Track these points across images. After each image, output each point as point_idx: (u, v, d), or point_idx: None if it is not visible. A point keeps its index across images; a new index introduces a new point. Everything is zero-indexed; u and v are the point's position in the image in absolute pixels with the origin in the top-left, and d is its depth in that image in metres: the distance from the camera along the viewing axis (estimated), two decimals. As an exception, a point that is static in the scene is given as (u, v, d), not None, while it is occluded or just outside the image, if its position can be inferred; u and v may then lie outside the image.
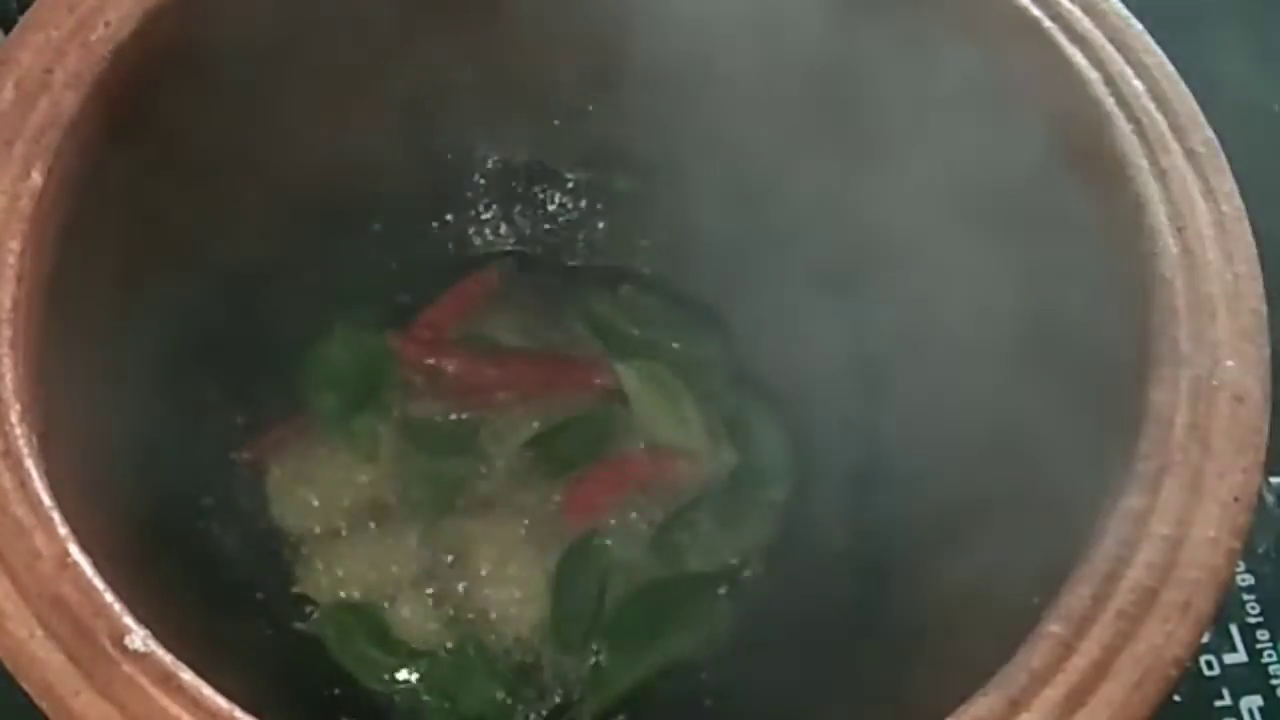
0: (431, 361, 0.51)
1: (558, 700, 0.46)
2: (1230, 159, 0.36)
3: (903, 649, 0.42)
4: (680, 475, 0.50)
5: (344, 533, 0.48)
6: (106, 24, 0.36)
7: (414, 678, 0.46)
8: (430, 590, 0.47)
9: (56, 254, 0.34)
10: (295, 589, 0.47)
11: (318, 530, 0.48)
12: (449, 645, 0.46)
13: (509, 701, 0.46)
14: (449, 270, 0.53)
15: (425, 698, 0.46)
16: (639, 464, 0.50)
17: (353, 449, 0.49)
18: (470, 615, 0.47)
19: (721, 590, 0.48)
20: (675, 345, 0.52)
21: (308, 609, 0.47)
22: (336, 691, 0.46)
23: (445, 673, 0.46)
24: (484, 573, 0.47)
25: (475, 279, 0.53)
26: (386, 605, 0.47)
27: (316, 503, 0.49)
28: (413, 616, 0.47)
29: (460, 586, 0.47)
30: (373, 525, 0.48)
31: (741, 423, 0.51)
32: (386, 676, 0.46)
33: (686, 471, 0.50)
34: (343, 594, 0.47)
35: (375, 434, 0.50)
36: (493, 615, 0.47)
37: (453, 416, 0.50)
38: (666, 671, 0.47)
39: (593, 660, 0.46)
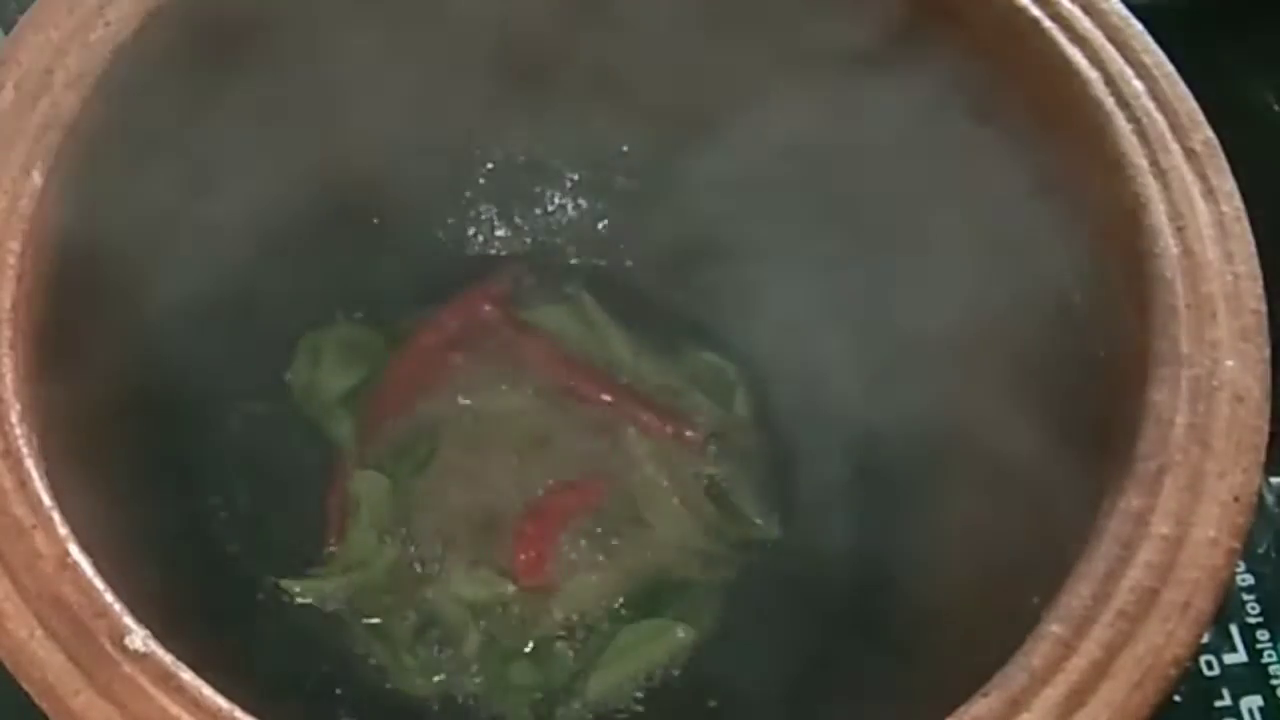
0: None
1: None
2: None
3: (903, 649, 0.42)
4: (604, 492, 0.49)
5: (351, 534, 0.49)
6: (106, 24, 0.36)
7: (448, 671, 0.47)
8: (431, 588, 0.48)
9: (56, 254, 0.34)
10: (299, 595, 0.47)
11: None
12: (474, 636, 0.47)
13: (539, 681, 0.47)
14: (448, 269, 0.53)
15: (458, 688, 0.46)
16: (566, 499, 0.49)
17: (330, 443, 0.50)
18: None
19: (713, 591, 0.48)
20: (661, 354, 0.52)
21: (310, 610, 0.47)
22: (337, 692, 0.46)
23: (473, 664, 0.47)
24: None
25: (485, 288, 0.53)
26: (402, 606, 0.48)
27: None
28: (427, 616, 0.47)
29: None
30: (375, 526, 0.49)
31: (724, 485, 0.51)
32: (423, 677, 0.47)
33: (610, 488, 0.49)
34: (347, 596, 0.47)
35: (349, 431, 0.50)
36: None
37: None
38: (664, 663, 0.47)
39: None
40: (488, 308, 0.52)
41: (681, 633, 0.47)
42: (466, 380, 0.51)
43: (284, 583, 0.47)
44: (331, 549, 0.48)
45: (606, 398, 0.51)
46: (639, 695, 0.47)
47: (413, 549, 0.48)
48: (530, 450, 0.50)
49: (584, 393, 0.51)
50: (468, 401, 0.51)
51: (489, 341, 0.52)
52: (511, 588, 0.47)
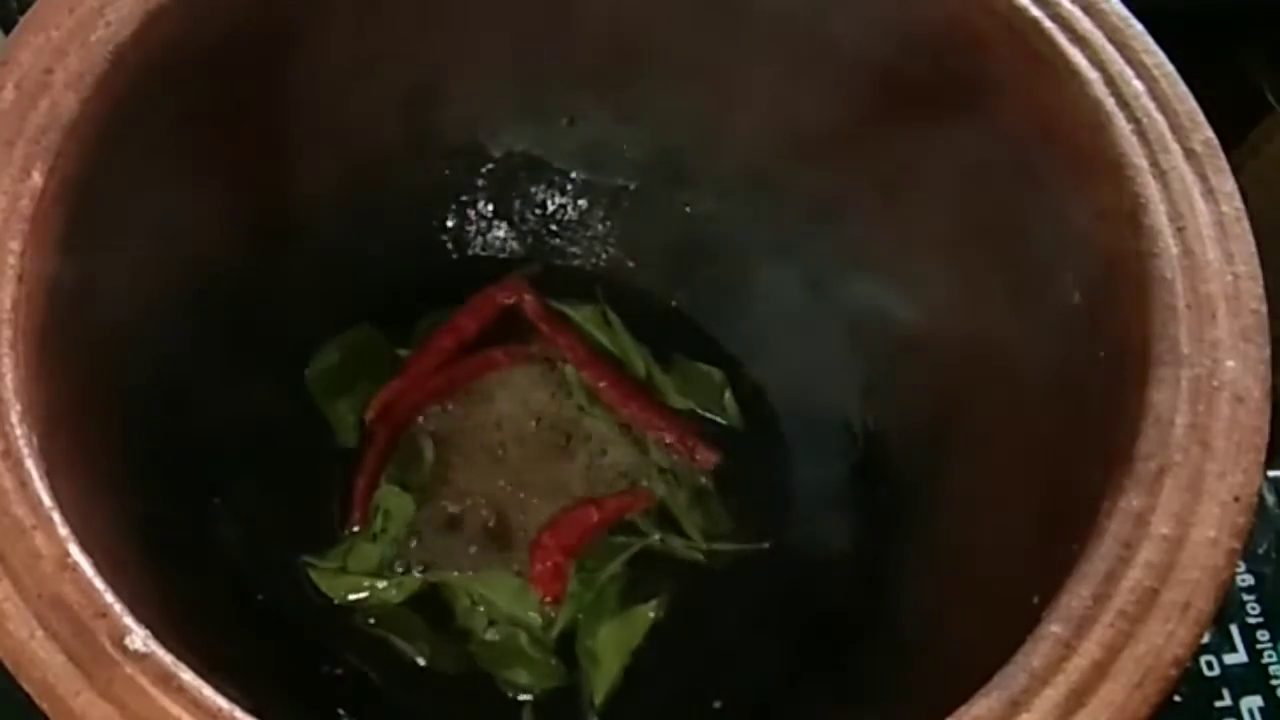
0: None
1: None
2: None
3: (902, 649, 0.42)
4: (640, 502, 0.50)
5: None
6: (106, 24, 0.36)
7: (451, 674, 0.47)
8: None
9: (56, 254, 0.34)
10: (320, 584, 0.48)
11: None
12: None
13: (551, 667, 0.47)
14: (449, 270, 0.53)
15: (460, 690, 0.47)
16: (587, 515, 0.49)
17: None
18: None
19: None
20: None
21: (311, 610, 0.47)
22: (336, 692, 0.46)
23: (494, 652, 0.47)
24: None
25: (500, 287, 0.53)
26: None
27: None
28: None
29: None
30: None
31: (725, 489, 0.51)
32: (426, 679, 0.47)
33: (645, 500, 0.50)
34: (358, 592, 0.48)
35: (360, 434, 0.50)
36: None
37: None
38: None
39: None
40: (527, 297, 0.52)
41: (652, 613, 0.47)
42: (491, 385, 0.51)
43: (314, 573, 0.47)
44: (346, 548, 0.48)
45: (634, 407, 0.51)
46: (643, 695, 0.47)
47: (427, 557, 0.48)
48: (555, 460, 0.50)
49: (611, 400, 0.51)
50: (492, 407, 0.51)
51: (520, 339, 0.52)
52: (526, 597, 0.47)
